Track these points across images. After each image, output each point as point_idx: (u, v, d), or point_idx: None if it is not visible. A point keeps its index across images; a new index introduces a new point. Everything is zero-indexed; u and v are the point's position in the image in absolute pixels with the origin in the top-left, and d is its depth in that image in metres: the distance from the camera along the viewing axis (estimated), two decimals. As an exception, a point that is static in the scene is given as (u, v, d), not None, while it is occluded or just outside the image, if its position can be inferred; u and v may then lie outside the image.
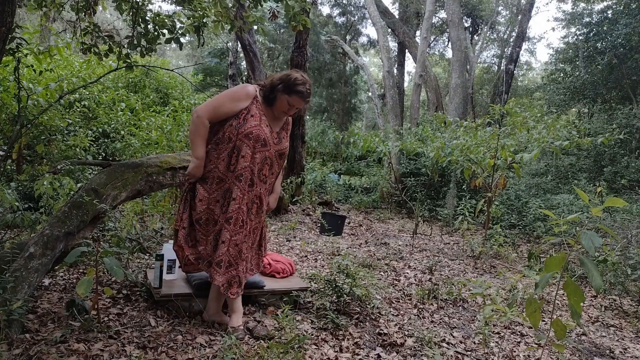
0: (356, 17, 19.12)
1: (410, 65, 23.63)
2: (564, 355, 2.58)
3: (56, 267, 2.92)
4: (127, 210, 4.13)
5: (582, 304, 1.81)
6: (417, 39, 13.68)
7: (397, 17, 15.30)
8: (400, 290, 3.53)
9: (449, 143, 6.42)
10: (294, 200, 7.16)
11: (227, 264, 2.33)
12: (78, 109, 5.63)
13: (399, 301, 3.26)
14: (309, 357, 2.22)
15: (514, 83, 17.09)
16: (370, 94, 15.37)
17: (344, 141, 11.74)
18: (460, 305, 3.32)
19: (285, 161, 2.58)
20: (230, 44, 14.13)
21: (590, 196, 5.82)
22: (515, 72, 14.60)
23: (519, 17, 13.54)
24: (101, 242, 3.39)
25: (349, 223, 6.84)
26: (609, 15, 10.34)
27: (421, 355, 2.39)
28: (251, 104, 2.33)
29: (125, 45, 3.37)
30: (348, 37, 19.12)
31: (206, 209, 2.35)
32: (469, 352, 2.50)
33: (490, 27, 17.23)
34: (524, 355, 2.53)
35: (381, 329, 2.67)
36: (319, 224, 5.94)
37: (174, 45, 3.43)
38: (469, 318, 3.09)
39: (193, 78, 10.93)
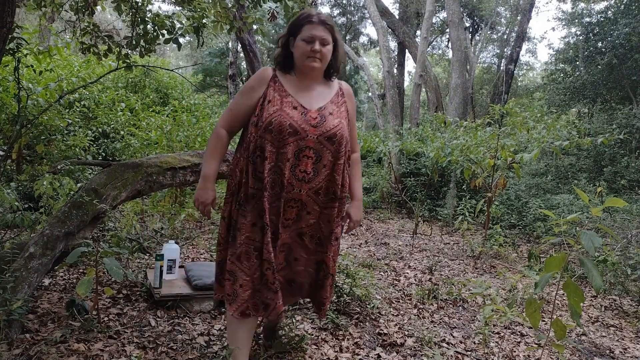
0: (356, 17, 19.12)
1: (410, 65, 23.64)
2: (564, 356, 2.58)
3: (56, 267, 2.92)
4: (127, 210, 4.13)
5: (582, 304, 1.81)
6: (417, 39, 13.68)
7: (397, 17, 15.30)
8: (400, 290, 3.53)
9: (448, 143, 6.42)
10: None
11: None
12: (78, 109, 5.63)
13: (399, 301, 3.26)
14: (309, 357, 2.22)
15: (514, 83, 17.10)
16: (370, 94, 15.37)
17: (344, 141, 11.72)
18: (460, 305, 3.32)
19: (346, 147, 1.83)
20: (230, 44, 14.12)
21: (590, 196, 5.83)
22: (515, 72, 14.61)
23: (519, 17, 13.54)
24: (101, 242, 3.40)
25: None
26: (609, 16, 10.34)
27: (421, 355, 2.39)
28: (267, 88, 1.78)
29: (125, 45, 3.37)
30: (348, 37, 19.12)
31: (245, 240, 1.76)
32: (469, 352, 2.50)
33: (491, 27, 17.23)
34: (524, 355, 2.53)
35: (381, 329, 2.67)
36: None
37: (173, 45, 3.44)
38: (469, 318, 3.09)
39: (193, 78, 10.93)
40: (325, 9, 19.63)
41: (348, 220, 1.95)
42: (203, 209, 1.82)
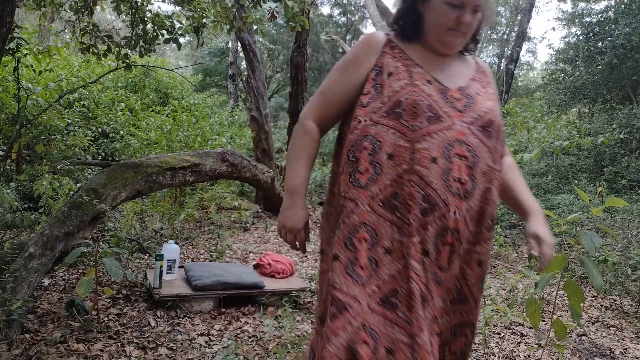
0: (356, 16, 19.13)
1: (410, 65, 23.62)
2: (564, 356, 2.57)
3: (56, 267, 2.92)
4: (127, 210, 4.13)
5: (582, 304, 1.80)
6: (417, 39, 13.67)
7: (397, 17, 15.30)
8: (400, 290, 3.52)
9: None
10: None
11: None
12: (77, 109, 5.63)
13: (399, 301, 3.25)
14: (309, 357, 2.22)
15: (514, 83, 17.10)
16: (370, 93, 15.31)
17: (344, 141, 11.72)
18: (460, 306, 3.32)
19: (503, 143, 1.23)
20: (230, 44, 14.12)
21: (591, 196, 5.82)
22: (515, 72, 14.61)
23: (519, 17, 13.54)
24: (101, 242, 3.40)
25: (349, 223, 6.83)
26: (610, 15, 10.34)
27: (421, 355, 2.38)
28: (382, 57, 1.17)
29: (124, 45, 3.37)
30: (348, 37, 19.12)
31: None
32: (469, 353, 2.49)
33: (491, 27, 17.24)
34: (524, 356, 2.53)
35: (381, 329, 2.66)
36: (319, 224, 5.93)
37: (173, 45, 3.44)
38: (469, 318, 3.08)
39: (192, 78, 10.94)
40: (325, 9, 19.65)
41: (539, 245, 1.24)
42: (293, 238, 1.22)
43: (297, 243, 1.24)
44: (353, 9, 18.94)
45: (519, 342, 2.73)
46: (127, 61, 3.40)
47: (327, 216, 1.23)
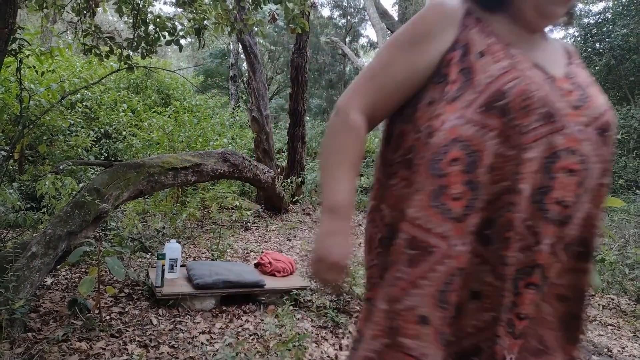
0: (356, 18, 19.18)
1: (410, 66, 23.63)
2: (562, 354, 2.59)
3: (58, 267, 2.94)
4: (129, 209, 4.15)
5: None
6: (417, 40, 13.66)
7: (396, 18, 15.34)
8: (399, 289, 3.54)
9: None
10: (294, 199, 7.19)
11: None
12: (80, 110, 5.67)
13: (398, 300, 3.27)
14: (309, 355, 2.24)
15: (514, 84, 17.13)
16: (370, 94, 15.33)
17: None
18: (459, 305, 3.34)
19: None
20: (231, 45, 14.16)
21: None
22: (514, 73, 14.64)
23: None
24: (103, 242, 3.42)
25: (348, 223, 6.85)
26: (607, 17, 10.38)
27: (420, 353, 2.40)
28: (464, 31, 0.82)
29: (126, 47, 3.40)
30: (348, 39, 19.17)
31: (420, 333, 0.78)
32: None
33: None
34: (522, 354, 2.55)
35: (380, 328, 2.68)
36: (319, 224, 5.95)
37: (175, 46, 3.47)
38: (468, 317, 3.10)
39: (194, 79, 10.98)
40: (325, 11, 19.73)
41: None
42: (334, 277, 0.86)
43: (339, 281, 0.88)
44: (353, 11, 18.99)
45: (517, 341, 2.75)
46: (129, 62, 3.43)
47: (371, 241, 0.90)
